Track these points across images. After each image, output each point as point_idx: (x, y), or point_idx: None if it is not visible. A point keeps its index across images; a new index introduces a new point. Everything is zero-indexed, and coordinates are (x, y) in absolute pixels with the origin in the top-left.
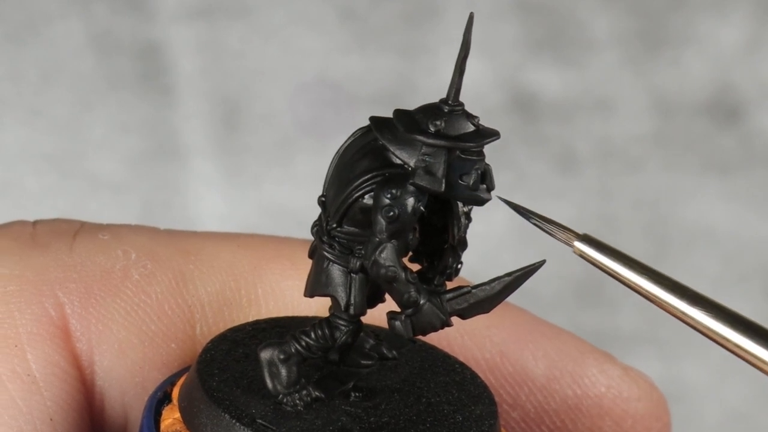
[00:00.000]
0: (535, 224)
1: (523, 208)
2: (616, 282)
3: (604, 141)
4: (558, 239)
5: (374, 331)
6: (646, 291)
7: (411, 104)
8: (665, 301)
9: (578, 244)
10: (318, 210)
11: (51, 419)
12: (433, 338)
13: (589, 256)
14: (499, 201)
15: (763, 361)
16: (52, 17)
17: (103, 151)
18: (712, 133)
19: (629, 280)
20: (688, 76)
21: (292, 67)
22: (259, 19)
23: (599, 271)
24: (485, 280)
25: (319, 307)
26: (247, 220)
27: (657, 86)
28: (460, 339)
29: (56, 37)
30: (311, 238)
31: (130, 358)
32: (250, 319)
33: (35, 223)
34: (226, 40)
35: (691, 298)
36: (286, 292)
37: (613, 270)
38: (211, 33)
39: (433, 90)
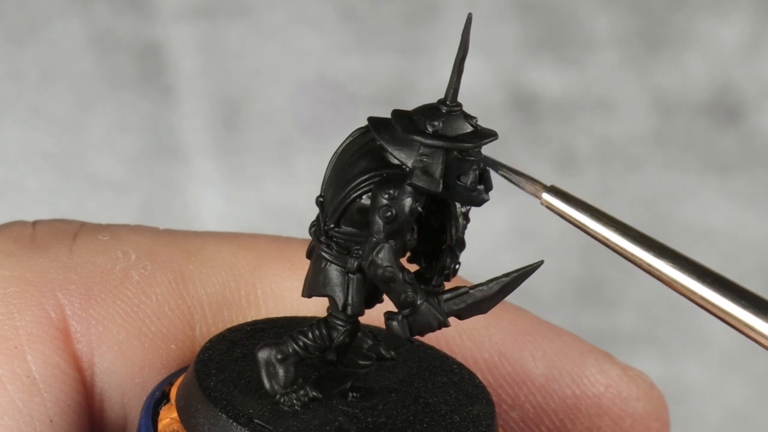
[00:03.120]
0: (503, 175)
1: (491, 159)
2: (616, 282)
3: (605, 141)
4: (526, 191)
5: (372, 331)
6: (613, 243)
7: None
8: (631, 253)
9: (546, 196)
10: (317, 210)
11: (51, 420)
12: (431, 338)
13: (556, 207)
14: (497, 201)
15: (728, 314)
16: (52, 17)
17: (103, 151)
18: (712, 133)
19: (596, 232)
20: (689, 76)
21: (292, 67)
22: (259, 19)
23: (597, 269)
24: (484, 280)
25: (319, 307)
26: (247, 220)
27: (657, 86)
28: (459, 339)
29: (56, 37)
30: (310, 237)
31: (130, 360)
32: (249, 320)
33: (35, 223)
34: (226, 40)
35: (657, 250)
36: (285, 293)
37: (580, 222)
38: (211, 33)
39: (432, 90)
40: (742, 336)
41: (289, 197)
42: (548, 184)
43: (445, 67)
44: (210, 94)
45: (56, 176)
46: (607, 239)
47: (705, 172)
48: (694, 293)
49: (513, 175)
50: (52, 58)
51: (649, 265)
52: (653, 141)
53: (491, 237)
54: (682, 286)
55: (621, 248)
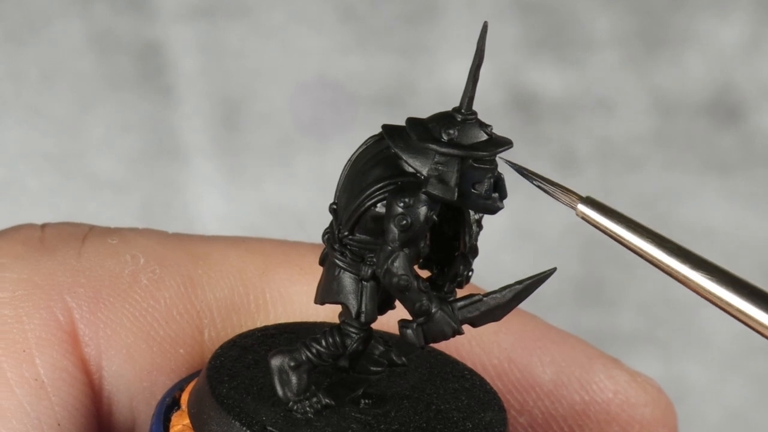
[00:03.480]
0: (538, 186)
1: (526, 170)
2: (616, 282)
3: (605, 141)
4: (561, 202)
5: (383, 337)
6: (650, 255)
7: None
8: (668, 265)
9: (582, 207)
10: (320, 210)
11: (58, 424)
12: (441, 344)
13: (591, 219)
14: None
15: (765, 326)
16: (52, 17)
17: (103, 151)
18: (712, 133)
19: (632, 244)
20: (689, 76)
21: (292, 67)
22: (259, 19)
23: (597, 269)
24: (486, 281)
25: (328, 312)
26: (247, 220)
27: (657, 86)
28: (468, 345)
29: (56, 37)
30: (316, 240)
31: (138, 363)
32: (258, 325)
33: (44, 226)
34: (226, 39)
35: (694, 262)
36: (294, 298)
37: (616, 233)
38: (211, 33)
39: (433, 90)
40: (742, 336)
41: (289, 197)
42: (584, 195)
43: (445, 67)
44: (210, 94)
45: (56, 176)
46: (644, 251)
47: (705, 172)
48: (731, 306)
49: (548, 185)
50: (52, 58)
51: (686, 278)
52: (653, 141)
53: (491, 237)
54: (720, 299)
55: (658, 260)
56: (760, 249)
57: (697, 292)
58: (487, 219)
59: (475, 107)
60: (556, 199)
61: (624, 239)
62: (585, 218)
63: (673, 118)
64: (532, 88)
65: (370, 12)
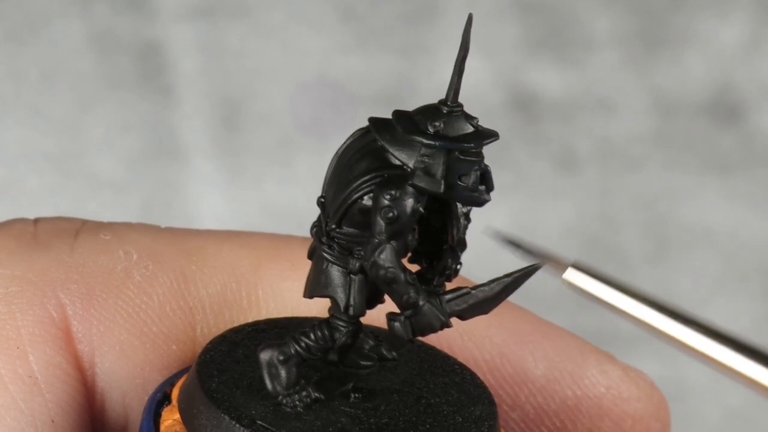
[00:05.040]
0: (523, 255)
1: (512, 240)
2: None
3: (604, 141)
4: (548, 270)
5: (374, 332)
6: (642, 320)
7: (411, 104)
8: (660, 329)
9: (568, 274)
10: (318, 210)
11: (52, 421)
12: (432, 339)
13: (577, 286)
14: (497, 201)
15: (762, 385)
16: (52, 17)
17: (103, 151)
18: (712, 133)
19: (622, 309)
20: (689, 76)
21: (292, 67)
22: (259, 19)
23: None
24: (484, 280)
25: (320, 307)
26: (248, 220)
27: (657, 86)
28: (460, 339)
29: (56, 37)
30: (310, 236)
31: (131, 360)
32: (251, 321)
33: (36, 221)
34: (226, 40)
35: (685, 321)
36: (286, 294)
37: (603, 298)
38: (211, 33)
39: (433, 90)
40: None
41: (289, 197)
42: (570, 261)
43: (445, 67)
44: (210, 94)
45: (56, 176)
46: (635, 316)
47: (705, 172)
48: (723, 365)
49: (533, 253)
50: (52, 58)
51: (681, 342)
52: (653, 141)
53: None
54: (719, 363)
55: (648, 324)
56: (760, 249)
57: (692, 355)
58: (486, 219)
59: (475, 107)
60: (541, 264)
61: (612, 304)
62: (571, 286)
63: (673, 118)
64: (532, 88)
65: (370, 12)
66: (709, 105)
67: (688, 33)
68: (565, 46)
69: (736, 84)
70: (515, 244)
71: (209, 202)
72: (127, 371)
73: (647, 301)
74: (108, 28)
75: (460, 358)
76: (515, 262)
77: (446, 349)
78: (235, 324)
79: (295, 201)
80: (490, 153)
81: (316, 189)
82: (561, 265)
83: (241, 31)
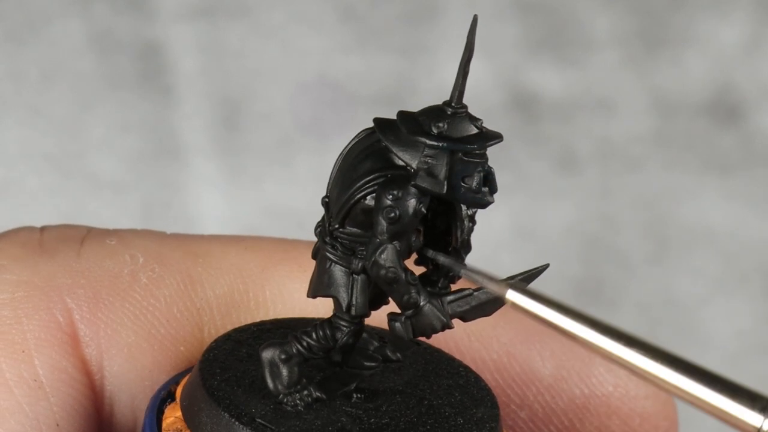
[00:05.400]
0: (465, 275)
1: (453, 262)
2: (616, 282)
3: (604, 141)
4: (490, 289)
5: (379, 333)
6: (583, 338)
7: (411, 104)
8: (601, 347)
9: (510, 294)
10: (320, 210)
11: (57, 425)
12: (439, 339)
13: (521, 306)
14: (497, 201)
15: (703, 401)
16: (52, 17)
17: (103, 151)
18: (712, 133)
19: (564, 328)
20: (689, 76)
21: (292, 67)
22: (259, 19)
23: (597, 269)
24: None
25: (327, 309)
26: (248, 220)
27: (657, 86)
28: (467, 340)
29: (56, 37)
30: (315, 239)
31: (139, 362)
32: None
33: (42, 228)
34: (226, 40)
35: (627, 341)
36: (294, 295)
37: (547, 318)
38: (211, 33)
39: (433, 90)
40: (742, 336)
41: (289, 197)
42: (512, 280)
43: (445, 67)
44: (210, 94)
45: (56, 176)
46: (576, 335)
47: (705, 172)
48: (667, 383)
49: (475, 275)
50: (52, 58)
51: (620, 358)
52: (653, 141)
53: (491, 237)
54: (655, 376)
55: (591, 343)
56: (760, 249)
57: (632, 371)
58: (486, 219)
59: (475, 107)
60: (485, 287)
61: (555, 324)
62: (515, 306)
63: (673, 118)
64: (532, 88)
65: (370, 12)
66: (709, 105)
67: (688, 33)
68: (565, 46)
69: (736, 84)
70: (458, 266)
71: (209, 202)
72: (135, 374)
73: (587, 319)
74: (108, 28)
75: (467, 359)
76: (518, 266)
77: (453, 350)
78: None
79: (295, 201)
80: (490, 153)
81: (316, 189)
82: (503, 285)
83: (241, 31)
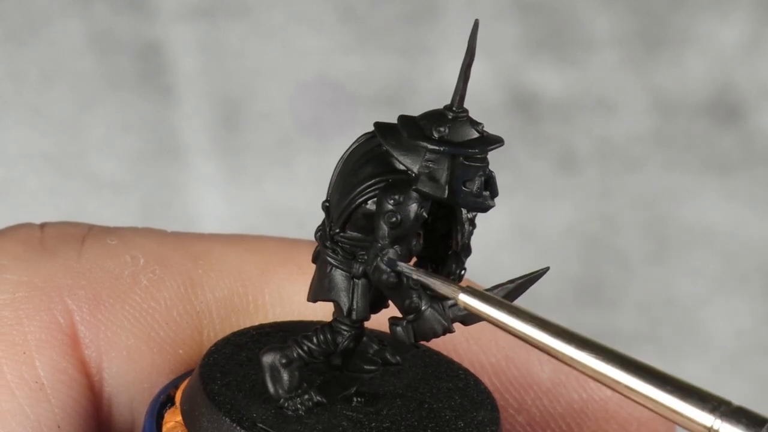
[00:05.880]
0: (417, 280)
1: (406, 266)
2: (616, 282)
3: (604, 141)
4: (443, 292)
5: (378, 336)
6: (534, 339)
7: (411, 104)
8: (553, 348)
9: (462, 297)
10: (320, 210)
11: (58, 426)
12: (438, 343)
13: (473, 308)
14: (497, 201)
15: (655, 401)
16: (52, 17)
17: (103, 151)
18: (712, 133)
19: (516, 329)
20: (689, 76)
21: (292, 66)
22: (259, 19)
23: (597, 269)
24: (484, 281)
25: (326, 312)
26: (247, 220)
27: (657, 86)
28: (466, 343)
29: (56, 37)
30: (316, 240)
31: (138, 365)
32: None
33: (43, 226)
34: (226, 40)
35: (579, 343)
36: (293, 298)
37: (499, 321)
38: (211, 33)
39: (433, 90)
40: (742, 336)
41: (289, 197)
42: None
43: (445, 67)
44: (210, 94)
45: (56, 176)
46: (528, 335)
47: (705, 172)
48: (618, 383)
49: (428, 278)
50: (52, 58)
51: (572, 359)
52: (653, 141)
53: (491, 237)
54: (606, 377)
55: (542, 344)
56: (760, 249)
57: (584, 372)
58: (487, 219)
59: (475, 107)
60: (437, 290)
61: (508, 326)
62: (467, 308)
63: (673, 118)
64: (532, 88)
65: (370, 12)
66: (709, 105)
67: (688, 33)
68: (565, 46)
69: (736, 84)
70: (410, 270)
71: (209, 202)
72: (134, 376)
73: (538, 320)
74: (108, 28)
75: (466, 362)
76: (517, 266)
77: (452, 353)
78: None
79: (295, 201)
80: (489, 153)
81: (316, 189)
82: (455, 288)
83: (241, 31)
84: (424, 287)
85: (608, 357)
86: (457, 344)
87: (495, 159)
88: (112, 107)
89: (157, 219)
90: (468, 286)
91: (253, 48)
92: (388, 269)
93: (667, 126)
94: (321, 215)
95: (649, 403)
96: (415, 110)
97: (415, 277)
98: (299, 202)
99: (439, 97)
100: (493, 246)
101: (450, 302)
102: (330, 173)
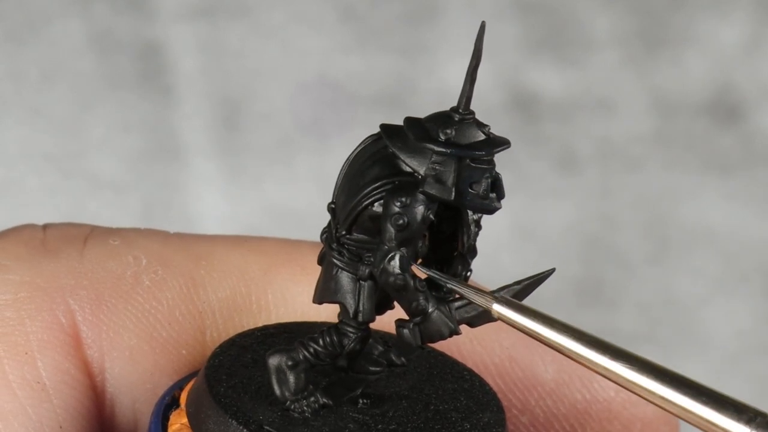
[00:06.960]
0: (452, 288)
1: (440, 275)
2: (616, 282)
3: (605, 141)
4: (477, 303)
5: (383, 337)
6: (569, 350)
7: (411, 104)
8: (587, 359)
9: (497, 307)
10: (320, 210)
11: (60, 427)
12: (442, 343)
13: (507, 318)
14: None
15: (690, 412)
16: (52, 17)
17: (103, 151)
18: (712, 133)
19: (550, 339)
20: (689, 76)
21: (292, 66)
22: (259, 19)
23: (597, 269)
24: (486, 281)
25: (329, 313)
26: (248, 220)
27: (657, 86)
28: (470, 344)
29: (56, 37)
30: (316, 239)
31: (141, 365)
32: (260, 325)
33: (45, 227)
34: (226, 40)
35: (613, 353)
36: (296, 298)
37: (533, 330)
38: (211, 33)
39: (433, 90)
40: (742, 336)
41: (289, 197)
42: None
43: (445, 67)
44: (210, 94)
45: (56, 176)
46: (564, 347)
47: (705, 172)
48: (654, 394)
49: (462, 288)
50: (52, 58)
51: (606, 369)
52: (653, 141)
53: (491, 237)
54: (641, 387)
55: (577, 354)
56: (760, 249)
57: (617, 382)
58: (487, 219)
59: (475, 107)
60: (471, 300)
61: (542, 336)
62: (501, 318)
63: (673, 118)
64: (532, 88)
65: (370, 12)
66: (709, 105)
67: (688, 33)
68: (565, 46)
69: (736, 84)
70: (444, 279)
71: (209, 202)
72: (136, 376)
73: (573, 331)
74: (108, 28)
75: (470, 363)
76: (518, 266)
77: (456, 354)
78: (245, 328)
79: (295, 201)
80: (499, 157)
81: (316, 189)
82: (489, 298)
83: (241, 31)
84: (431, 289)
85: (643, 368)
86: (461, 345)
87: (495, 159)
88: (112, 107)
89: (157, 219)
90: (502, 296)
91: (253, 48)
92: (398, 271)
93: (667, 126)
94: (321, 215)
95: (685, 414)
96: (415, 110)
97: (448, 286)
98: (299, 202)
99: (439, 97)
100: (494, 246)
101: (456, 304)
102: (330, 173)
